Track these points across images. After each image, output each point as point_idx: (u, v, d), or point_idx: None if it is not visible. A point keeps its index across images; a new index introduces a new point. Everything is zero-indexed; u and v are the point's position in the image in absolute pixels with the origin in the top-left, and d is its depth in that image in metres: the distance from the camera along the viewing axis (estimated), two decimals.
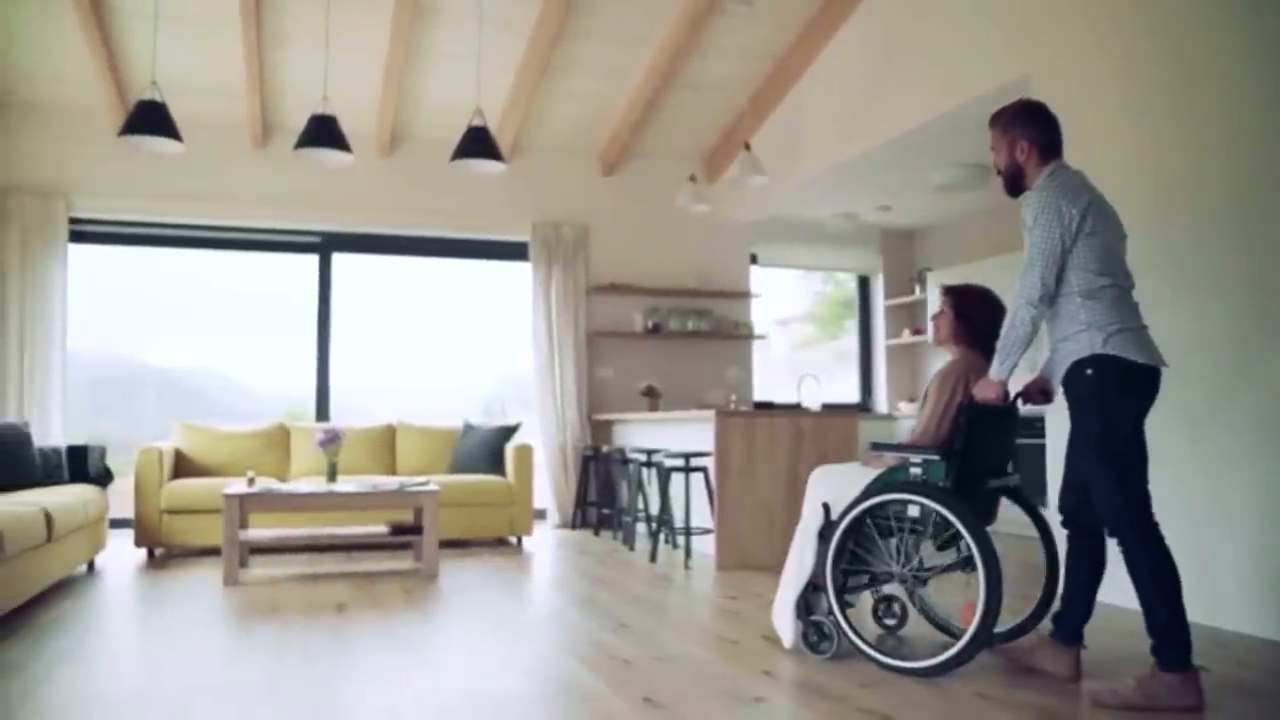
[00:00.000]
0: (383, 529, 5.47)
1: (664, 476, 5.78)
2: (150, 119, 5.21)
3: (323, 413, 7.55)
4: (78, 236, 6.99)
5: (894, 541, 3.32)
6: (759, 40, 6.88)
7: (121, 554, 5.97)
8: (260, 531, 5.42)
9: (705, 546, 5.89)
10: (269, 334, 7.68)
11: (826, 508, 3.40)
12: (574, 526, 7.55)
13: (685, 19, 6.45)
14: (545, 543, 6.69)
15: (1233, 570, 3.89)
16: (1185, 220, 4.14)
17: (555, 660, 3.38)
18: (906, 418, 8.27)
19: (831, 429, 5.82)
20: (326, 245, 7.68)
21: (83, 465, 5.54)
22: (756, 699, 2.89)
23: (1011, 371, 3.10)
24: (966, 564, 3.22)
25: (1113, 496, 2.93)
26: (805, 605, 3.45)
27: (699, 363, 8.29)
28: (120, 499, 6.15)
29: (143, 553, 6.02)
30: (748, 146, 6.68)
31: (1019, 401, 3.37)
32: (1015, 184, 3.19)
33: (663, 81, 7.14)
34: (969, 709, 2.79)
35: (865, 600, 3.92)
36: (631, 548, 6.30)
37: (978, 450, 3.27)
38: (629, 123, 7.60)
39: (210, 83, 6.75)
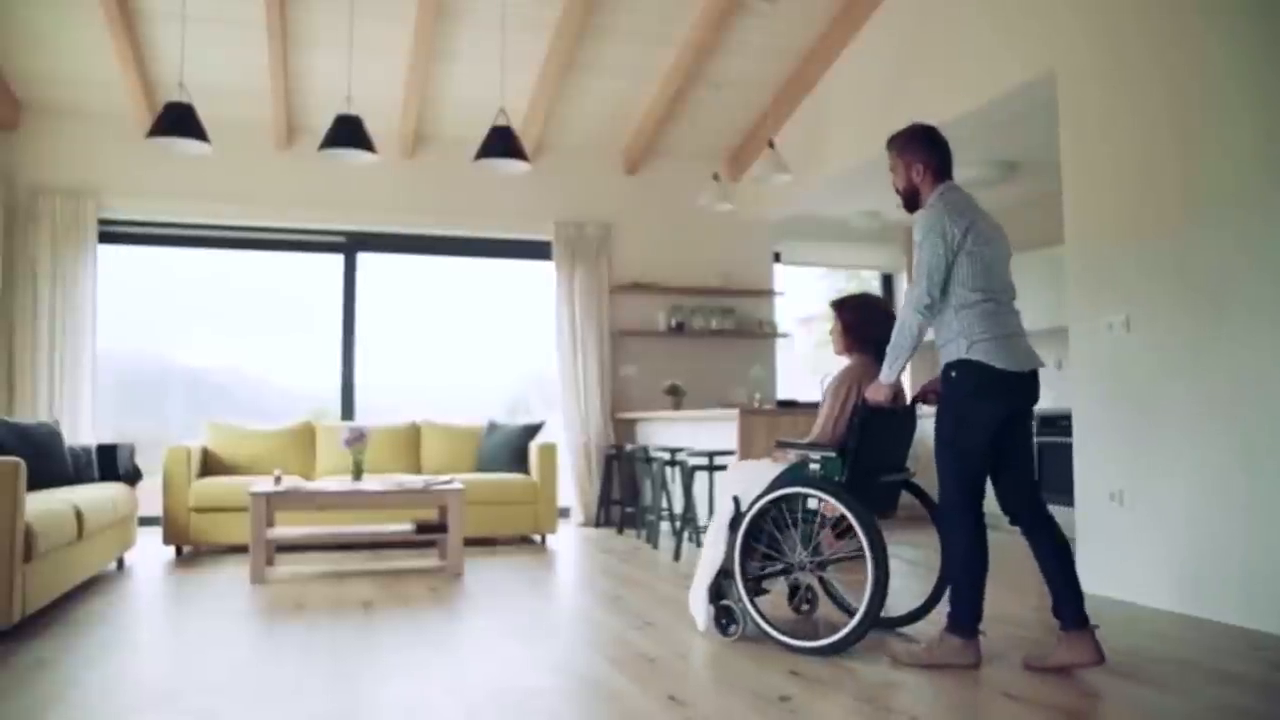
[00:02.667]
0: (408, 527, 5.49)
1: (687, 475, 5.77)
2: (178, 121, 5.26)
3: (348, 412, 7.59)
4: (106, 237, 7.06)
5: (798, 532, 3.57)
6: (782, 38, 6.86)
7: (150, 551, 6.03)
8: (287, 530, 5.47)
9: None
10: (293, 333, 7.74)
11: (736, 501, 3.67)
12: (597, 525, 7.56)
13: (708, 17, 6.44)
14: (569, 541, 6.70)
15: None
16: (1216, 215, 4.09)
17: (581, 658, 3.39)
18: (930, 415, 8.20)
19: None
20: (351, 245, 7.72)
21: (112, 464, 5.60)
22: (782, 697, 2.88)
23: (899, 374, 3.37)
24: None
25: (948, 486, 3.27)
26: (717, 590, 3.71)
27: (722, 361, 8.27)
28: (148, 497, 6.21)
29: (171, 550, 6.07)
30: (771, 144, 6.66)
31: (915, 402, 3.67)
32: (912, 202, 3.46)
33: (686, 80, 7.13)
34: (996, 709, 2.77)
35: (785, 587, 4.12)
36: (655, 546, 6.30)
37: (872, 448, 3.54)
38: (652, 121, 7.60)
39: (235, 84, 6.80)
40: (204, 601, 4.45)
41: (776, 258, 8.72)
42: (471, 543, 6.25)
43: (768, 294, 8.46)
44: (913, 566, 5.36)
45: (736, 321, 8.27)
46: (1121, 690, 2.96)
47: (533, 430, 6.96)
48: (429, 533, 5.41)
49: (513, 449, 6.82)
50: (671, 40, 6.78)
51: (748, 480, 3.70)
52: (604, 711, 2.76)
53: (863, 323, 3.85)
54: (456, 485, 5.32)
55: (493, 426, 7.01)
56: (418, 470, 6.88)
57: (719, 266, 8.31)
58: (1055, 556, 3.21)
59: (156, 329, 7.59)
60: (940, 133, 3.46)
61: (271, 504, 5.09)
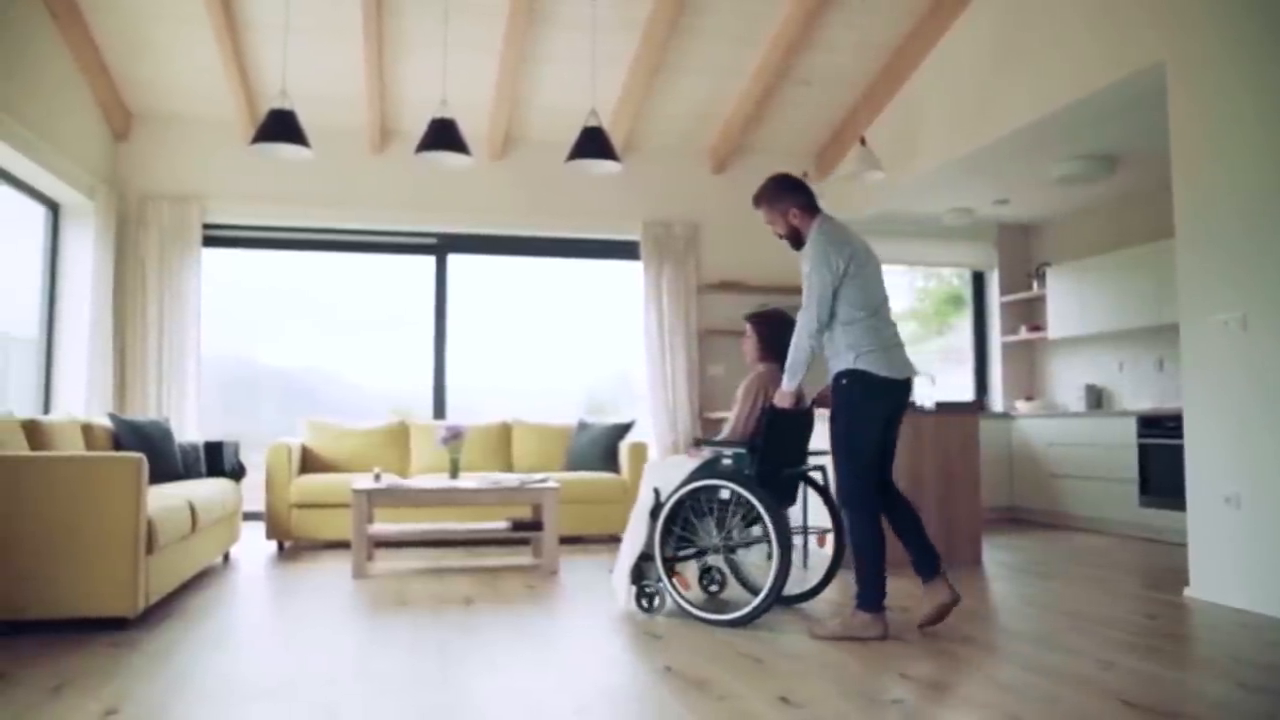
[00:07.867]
0: (502, 524, 5.56)
1: None
2: (281, 127, 5.39)
3: (440, 411, 7.71)
4: (209, 241, 7.29)
5: (711, 519, 4.08)
6: (873, 32, 6.78)
7: (254, 546, 6.21)
8: (387, 526, 5.58)
9: (823, 545, 5.83)
10: (385, 333, 7.89)
11: (657, 492, 4.11)
12: None
13: (797, 14, 6.39)
14: None
15: None
16: None
17: (685, 658, 3.39)
18: (1024, 416, 8.04)
19: (952, 428, 5.68)
20: (442, 246, 7.84)
21: (219, 460, 5.79)
22: (894, 700, 2.85)
23: (798, 384, 3.83)
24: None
25: (847, 480, 3.69)
26: (638, 572, 4.17)
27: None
28: (249, 493, 6.39)
29: (273, 545, 6.25)
30: (863, 141, 6.58)
31: (813, 407, 4.22)
32: (798, 241, 3.90)
33: (774, 77, 7.09)
34: (1115, 716, 2.70)
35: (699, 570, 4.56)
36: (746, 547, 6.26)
37: (777, 446, 4.02)
38: (740, 120, 7.58)
39: (332, 91, 6.96)
40: (309, 595, 4.56)
41: None
42: (562, 541, 6.31)
43: None
44: (1010, 570, 5.25)
45: None
46: (1246, 701, 2.85)
47: (623, 429, 6.99)
48: (524, 530, 5.46)
49: (602, 448, 6.86)
50: (760, 38, 6.74)
51: (667, 474, 4.17)
52: (718, 711, 2.75)
53: (776, 335, 4.27)
54: (552, 484, 5.37)
55: (583, 425, 7.06)
56: (509, 468, 6.96)
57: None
58: (911, 524, 3.73)
59: (249, 330, 7.80)
60: (795, 176, 3.91)
61: (372, 500, 5.20)
